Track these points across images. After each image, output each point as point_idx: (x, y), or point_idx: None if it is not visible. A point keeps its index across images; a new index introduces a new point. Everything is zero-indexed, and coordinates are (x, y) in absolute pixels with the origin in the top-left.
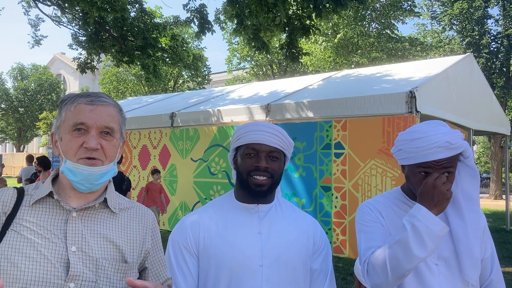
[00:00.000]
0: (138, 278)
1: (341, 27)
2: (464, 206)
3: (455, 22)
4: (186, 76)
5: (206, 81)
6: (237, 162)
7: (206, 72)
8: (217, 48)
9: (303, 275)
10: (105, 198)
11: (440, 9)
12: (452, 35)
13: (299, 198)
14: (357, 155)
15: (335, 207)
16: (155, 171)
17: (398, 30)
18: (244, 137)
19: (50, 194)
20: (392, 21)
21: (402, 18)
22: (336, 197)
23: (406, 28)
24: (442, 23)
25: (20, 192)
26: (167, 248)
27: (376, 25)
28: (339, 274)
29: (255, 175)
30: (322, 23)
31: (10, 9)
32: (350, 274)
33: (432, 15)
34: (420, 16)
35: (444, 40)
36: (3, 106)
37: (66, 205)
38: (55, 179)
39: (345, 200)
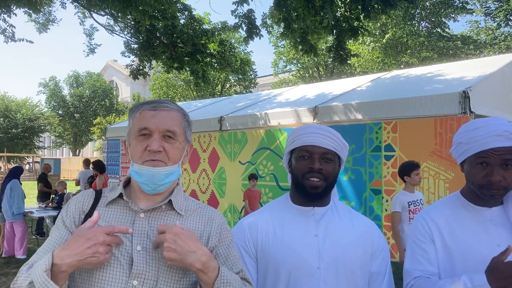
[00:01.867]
0: None
1: (390, 27)
2: None
3: (511, 17)
4: (233, 80)
5: (252, 85)
6: (292, 165)
7: (252, 75)
8: (263, 51)
9: (361, 278)
10: (170, 200)
11: (494, 4)
12: (508, 31)
13: (348, 201)
14: (408, 157)
15: (386, 210)
16: (252, 176)
17: (449, 28)
18: (298, 139)
19: (121, 196)
20: (443, 19)
21: (453, 15)
22: (387, 200)
23: (458, 26)
24: (497, 19)
25: (98, 194)
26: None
27: (426, 23)
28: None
29: (309, 177)
30: (370, 24)
31: (66, 19)
32: (401, 279)
33: (486, 12)
34: (473, 13)
35: (499, 37)
36: (60, 112)
37: (134, 206)
38: (129, 183)
39: None
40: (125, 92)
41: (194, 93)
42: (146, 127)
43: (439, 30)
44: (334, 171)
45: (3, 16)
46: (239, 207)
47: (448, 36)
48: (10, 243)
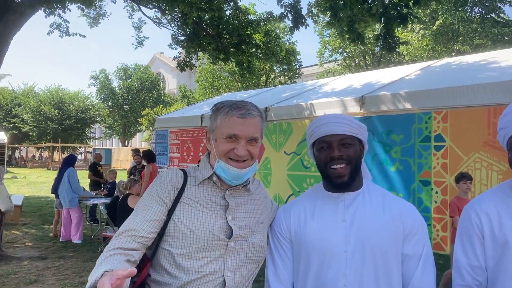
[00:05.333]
0: None
1: (440, 13)
2: None
3: None
4: (277, 71)
5: (297, 75)
6: (315, 156)
7: (297, 66)
8: (308, 40)
9: (394, 260)
10: (247, 183)
11: None
12: None
13: (395, 193)
14: (459, 148)
15: (435, 202)
16: (463, 177)
17: (504, 14)
18: (315, 132)
19: (210, 177)
20: (498, 4)
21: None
22: (436, 192)
23: None
24: None
25: (185, 173)
26: (268, 236)
27: (480, 9)
28: (440, 272)
29: (332, 165)
30: (420, 11)
31: (115, 13)
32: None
33: None
34: None
35: None
36: (110, 104)
37: (221, 186)
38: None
39: (446, 195)
40: (172, 84)
41: (239, 84)
42: (236, 134)
43: (493, 15)
44: (356, 154)
45: (58, 12)
46: (284, 197)
47: (504, 21)
48: (67, 229)
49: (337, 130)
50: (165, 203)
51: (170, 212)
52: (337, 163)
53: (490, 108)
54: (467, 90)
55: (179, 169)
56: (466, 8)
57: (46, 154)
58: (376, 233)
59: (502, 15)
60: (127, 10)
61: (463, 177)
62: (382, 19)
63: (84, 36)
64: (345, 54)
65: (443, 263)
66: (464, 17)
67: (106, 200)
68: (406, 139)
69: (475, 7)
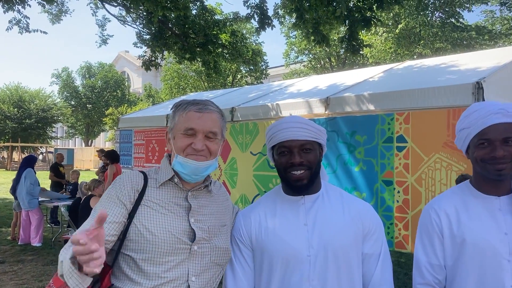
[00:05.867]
0: None
1: (403, 17)
2: None
3: None
4: (244, 71)
5: (264, 76)
6: (275, 160)
7: (264, 66)
8: (274, 42)
9: (355, 260)
10: (209, 183)
11: None
12: None
13: (359, 192)
14: (420, 148)
15: (397, 201)
16: (464, 179)
17: (463, 19)
18: (275, 136)
19: (171, 179)
20: (457, 9)
21: (468, 5)
22: (398, 192)
23: (473, 16)
24: None
25: (145, 175)
26: None
27: (440, 14)
28: (402, 269)
29: (292, 171)
30: (383, 14)
31: (79, 11)
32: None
33: (502, 1)
34: (488, 3)
35: None
36: (72, 103)
37: (183, 187)
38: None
39: (407, 194)
40: (137, 83)
41: (206, 84)
42: (192, 128)
43: (453, 20)
44: (316, 159)
45: (18, 7)
46: (250, 198)
47: (463, 26)
48: (26, 231)
49: (298, 136)
50: (125, 205)
51: (131, 216)
52: (297, 169)
53: (450, 110)
54: (427, 92)
55: (139, 171)
56: (427, 12)
57: (4, 154)
58: (338, 235)
59: (461, 20)
60: (91, 7)
61: (464, 179)
62: (347, 21)
63: (45, 33)
64: (311, 55)
65: (405, 261)
66: (426, 21)
67: (68, 202)
68: (370, 140)
69: (435, 12)
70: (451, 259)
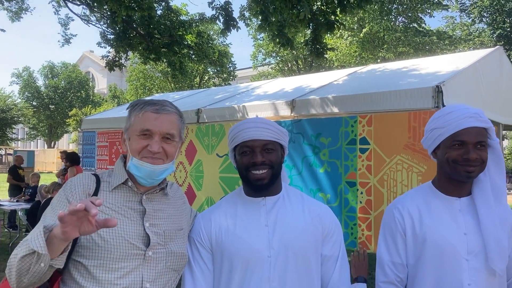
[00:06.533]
0: None
1: (367, 21)
2: (492, 196)
3: (485, 14)
4: (211, 73)
5: (231, 77)
6: (237, 161)
7: (231, 68)
8: (242, 44)
9: (314, 261)
10: (165, 186)
11: (469, 1)
12: (482, 27)
13: (324, 194)
14: (382, 150)
15: (360, 202)
16: None
17: (425, 24)
18: (237, 136)
19: (125, 182)
20: (419, 15)
21: (429, 11)
22: (362, 193)
23: (434, 21)
24: (471, 15)
25: (98, 178)
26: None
27: (403, 19)
28: None
29: (253, 170)
30: (348, 18)
31: (40, 8)
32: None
33: (461, 8)
34: (449, 9)
35: (473, 33)
36: (34, 103)
37: (137, 191)
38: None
39: (370, 195)
40: (102, 84)
41: (172, 85)
42: (149, 129)
43: (415, 25)
44: (278, 159)
45: None
46: (216, 200)
47: (424, 31)
48: None
49: (260, 135)
50: None
51: None
52: (259, 168)
53: (411, 113)
54: (389, 96)
55: (91, 173)
56: (390, 17)
57: None
58: (299, 236)
59: (423, 25)
60: (53, 5)
61: None
62: (311, 25)
63: (3, 31)
64: (278, 58)
65: (368, 261)
66: (389, 26)
67: (26, 206)
68: (334, 142)
69: (399, 17)
70: (413, 258)
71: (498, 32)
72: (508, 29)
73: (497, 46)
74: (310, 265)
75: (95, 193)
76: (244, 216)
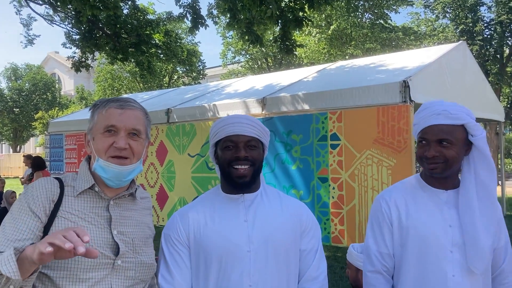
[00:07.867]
0: None
1: (334, 18)
2: (475, 194)
3: (448, 10)
4: (181, 72)
5: (201, 76)
6: (218, 156)
7: (201, 67)
8: (211, 42)
9: (293, 256)
10: (134, 190)
11: None
12: (446, 23)
13: (297, 190)
14: (352, 145)
15: (333, 197)
16: None
17: (391, 20)
18: (221, 131)
19: (92, 187)
20: (385, 11)
21: (395, 7)
22: (333, 188)
23: (400, 17)
24: (435, 11)
25: (61, 183)
26: (160, 243)
27: (370, 15)
28: (338, 264)
29: (236, 165)
30: (316, 15)
31: (0, 8)
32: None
33: (425, 4)
34: (413, 5)
35: (437, 29)
36: None
37: (105, 196)
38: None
39: (342, 190)
40: (68, 85)
41: (141, 85)
42: (113, 125)
43: (381, 21)
44: (260, 157)
45: None
46: (189, 200)
47: (391, 27)
48: None
49: (245, 131)
50: (40, 218)
51: (47, 229)
52: (242, 163)
53: (379, 108)
54: (358, 92)
55: (54, 177)
56: (357, 14)
57: None
58: (278, 230)
59: (389, 21)
60: (14, 5)
61: None
62: (279, 22)
63: None
64: (247, 56)
65: (341, 256)
66: (356, 22)
67: None
68: (305, 139)
69: (365, 13)
70: (399, 248)
71: (461, 27)
72: (470, 25)
73: (460, 41)
74: (289, 260)
75: (59, 199)
76: (223, 212)
